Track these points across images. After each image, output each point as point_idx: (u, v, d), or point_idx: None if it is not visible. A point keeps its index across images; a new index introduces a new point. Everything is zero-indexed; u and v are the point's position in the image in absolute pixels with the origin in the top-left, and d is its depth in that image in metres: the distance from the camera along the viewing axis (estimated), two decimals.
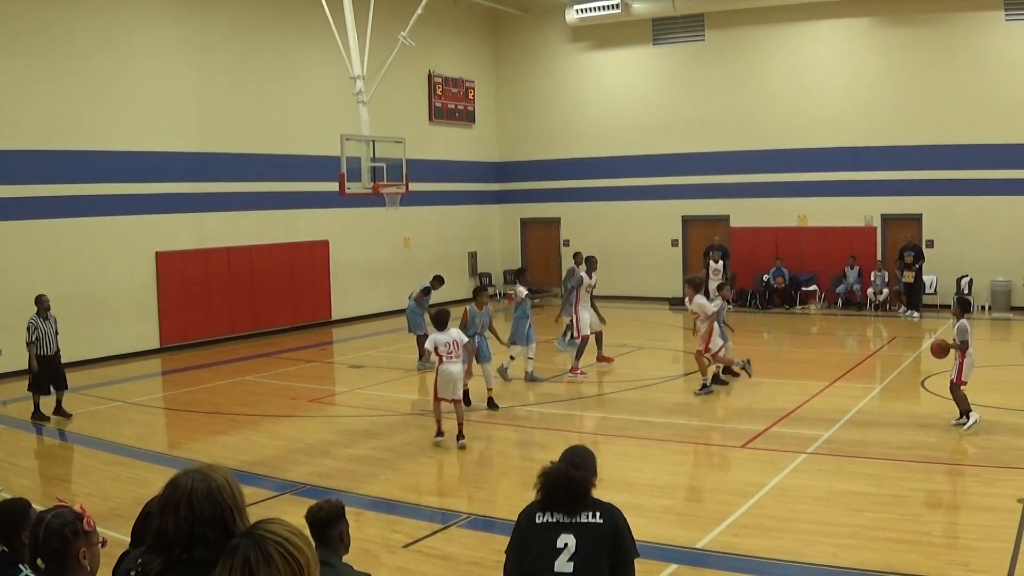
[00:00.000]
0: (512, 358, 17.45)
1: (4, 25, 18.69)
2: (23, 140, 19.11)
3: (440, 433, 12.97)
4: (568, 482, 4.73)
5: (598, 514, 4.75)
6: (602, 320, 18.96)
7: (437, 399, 12.91)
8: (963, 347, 12.64)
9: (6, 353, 18.69)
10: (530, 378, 17.43)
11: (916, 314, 24.57)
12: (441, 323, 12.96)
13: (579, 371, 17.76)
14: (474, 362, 15.28)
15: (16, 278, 18.95)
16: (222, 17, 23.13)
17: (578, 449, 5.25)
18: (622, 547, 4.74)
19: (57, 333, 15.65)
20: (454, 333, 13.01)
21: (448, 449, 12.88)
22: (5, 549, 4.31)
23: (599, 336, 18.85)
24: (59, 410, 15.43)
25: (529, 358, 17.47)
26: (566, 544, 4.67)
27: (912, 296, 25.00)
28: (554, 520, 4.73)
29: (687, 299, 16.46)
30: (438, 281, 20.02)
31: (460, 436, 12.79)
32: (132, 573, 3.26)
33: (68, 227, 19.92)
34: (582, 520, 4.71)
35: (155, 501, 4.19)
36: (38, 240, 19.40)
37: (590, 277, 18.50)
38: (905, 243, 25.15)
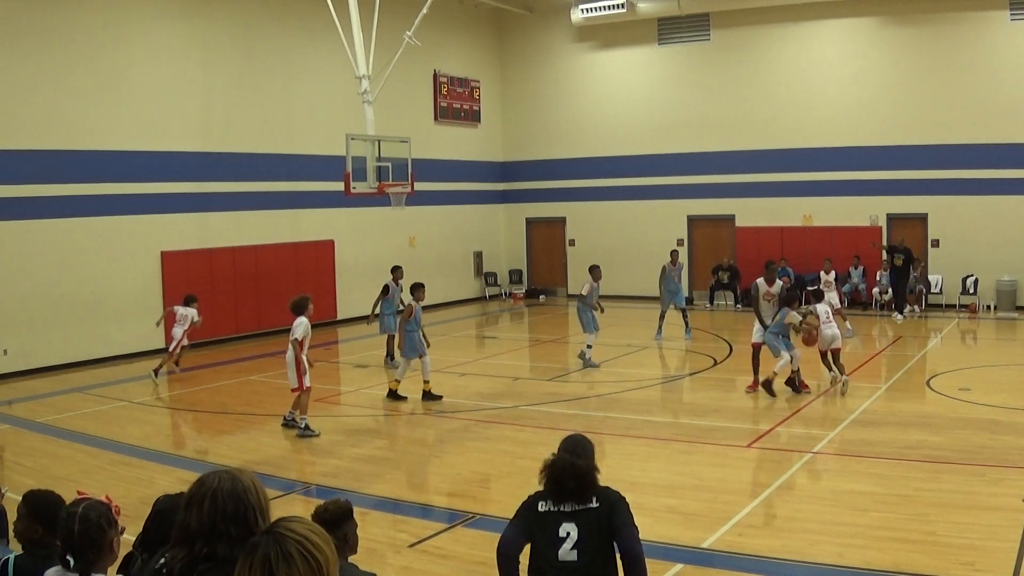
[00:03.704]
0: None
1: (8, 25, 18.72)
2: (28, 140, 19.14)
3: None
4: (575, 471, 4.76)
5: (595, 499, 4.78)
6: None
7: None
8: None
9: (11, 353, 18.80)
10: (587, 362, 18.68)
11: (900, 316, 24.44)
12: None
13: None
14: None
15: (21, 278, 18.99)
16: (227, 16, 23.15)
17: (576, 438, 5.30)
18: (613, 518, 4.73)
19: None
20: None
21: (454, 449, 12.90)
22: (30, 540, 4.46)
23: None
24: None
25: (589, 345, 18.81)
26: (568, 533, 4.71)
27: (899, 297, 24.87)
28: (555, 509, 4.76)
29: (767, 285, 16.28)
30: (398, 272, 19.94)
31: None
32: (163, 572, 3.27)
33: (73, 227, 19.95)
34: (582, 507, 4.74)
35: (165, 499, 4.24)
36: (43, 240, 19.43)
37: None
38: (895, 244, 24.98)
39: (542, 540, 4.76)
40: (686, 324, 22.15)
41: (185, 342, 18.95)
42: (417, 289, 16.18)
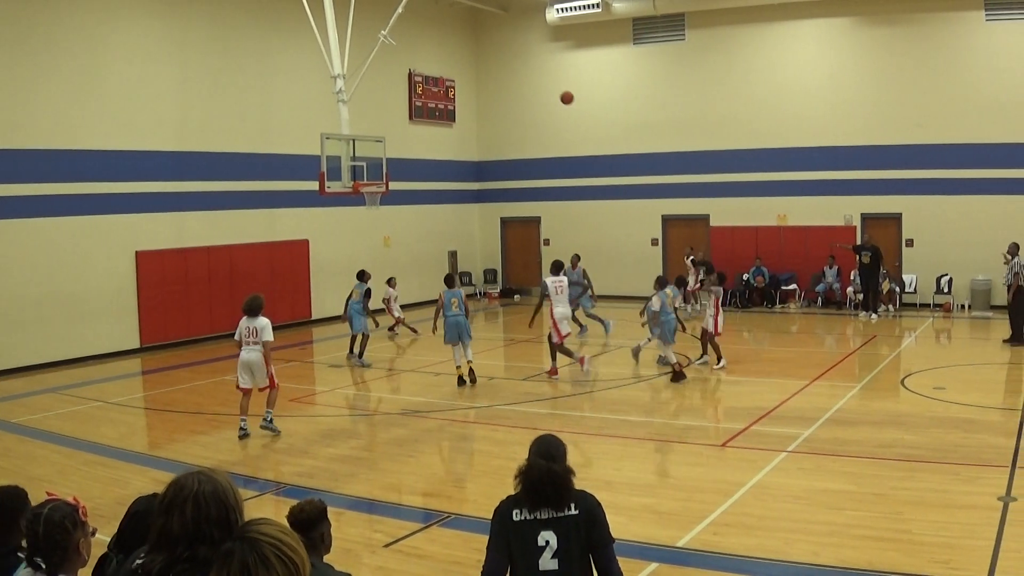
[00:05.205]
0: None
1: None
2: (1, 139, 18.95)
3: None
4: (553, 478, 4.60)
5: (574, 505, 4.64)
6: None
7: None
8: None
9: None
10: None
11: (875, 316, 24.58)
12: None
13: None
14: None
15: None
16: (202, 16, 23.01)
17: (548, 439, 5.07)
18: (592, 531, 4.61)
19: None
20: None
21: (429, 449, 12.87)
22: None
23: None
24: None
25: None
26: (547, 541, 4.58)
27: (869, 297, 24.98)
28: (531, 517, 4.61)
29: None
30: (365, 275, 20.56)
31: None
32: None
33: (48, 226, 19.76)
34: (560, 514, 4.60)
35: (142, 500, 4.18)
36: (17, 239, 19.24)
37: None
38: (862, 243, 25.17)
39: (520, 550, 4.62)
40: (602, 321, 22.39)
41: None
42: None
